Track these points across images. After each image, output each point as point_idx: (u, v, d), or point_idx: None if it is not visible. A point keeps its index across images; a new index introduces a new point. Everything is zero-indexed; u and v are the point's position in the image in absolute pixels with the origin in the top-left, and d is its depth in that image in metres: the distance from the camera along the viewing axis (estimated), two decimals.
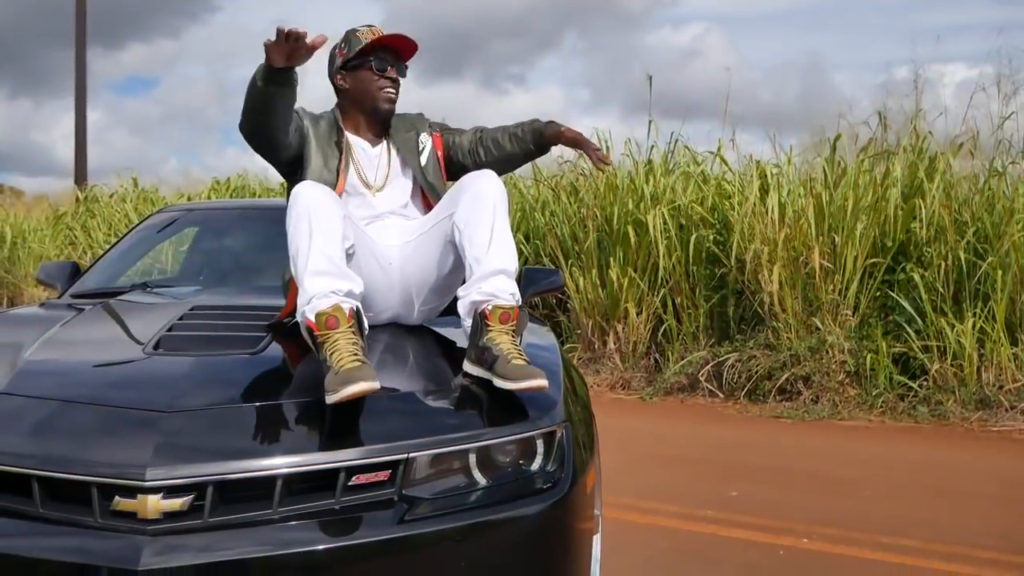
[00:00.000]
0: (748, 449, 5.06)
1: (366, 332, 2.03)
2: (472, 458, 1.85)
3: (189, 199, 11.59)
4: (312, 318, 1.94)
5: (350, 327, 1.93)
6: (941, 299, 6.11)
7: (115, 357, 2.10)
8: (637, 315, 7.19)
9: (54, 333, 2.28)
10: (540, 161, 8.66)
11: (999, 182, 6.53)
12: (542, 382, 1.91)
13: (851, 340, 6.25)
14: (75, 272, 3.34)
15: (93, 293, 3.02)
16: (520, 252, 7.95)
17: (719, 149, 7.59)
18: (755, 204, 6.69)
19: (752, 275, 6.64)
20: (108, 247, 3.76)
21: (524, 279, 3.35)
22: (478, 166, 2.53)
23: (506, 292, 2.10)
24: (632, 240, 7.21)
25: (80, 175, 13.59)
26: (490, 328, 2.04)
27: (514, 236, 7.43)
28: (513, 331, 2.06)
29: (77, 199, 12.52)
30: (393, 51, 2.54)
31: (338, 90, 2.57)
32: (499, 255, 2.14)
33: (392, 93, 2.54)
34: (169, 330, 2.20)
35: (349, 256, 2.18)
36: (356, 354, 1.86)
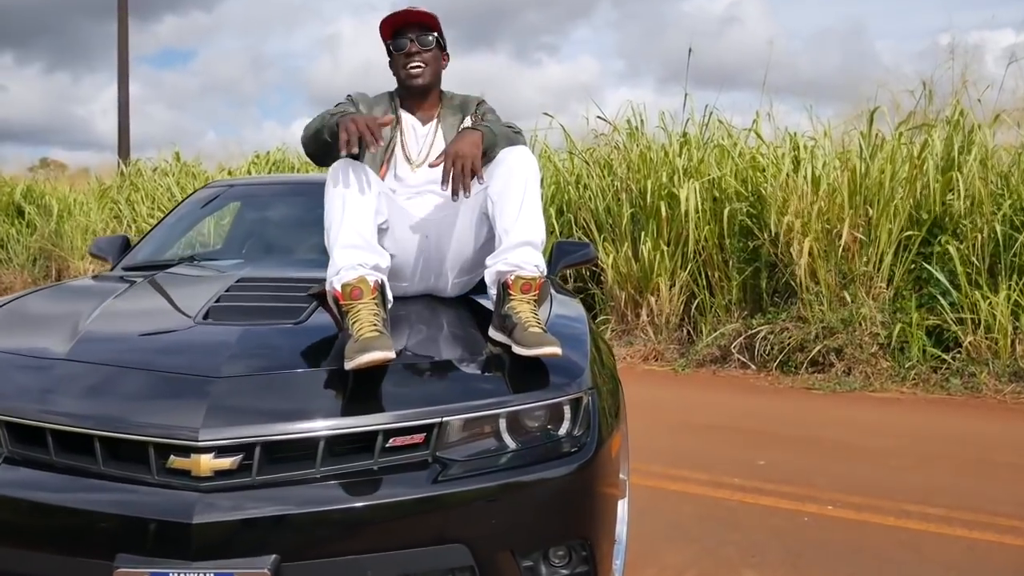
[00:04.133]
0: (778, 420, 5.13)
1: (389, 304, 2.14)
2: (502, 422, 1.96)
3: (231, 173, 11.78)
4: (339, 288, 2.07)
5: (373, 299, 2.05)
6: (976, 271, 6.10)
7: (168, 326, 2.23)
8: (670, 288, 7.25)
9: (109, 304, 2.41)
10: (576, 134, 8.72)
11: None
12: (556, 349, 2.00)
13: (884, 312, 6.27)
14: (126, 246, 3.49)
15: (143, 266, 3.16)
16: (553, 226, 8.09)
17: (755, 123, 7.58)
18: (789, 176, 6.70)
19: (785, 247, 6.66)
20: (156, 222, 3.91)
21: (556, 251, 3.45)
22: None
23: (530, 264, 2.19)
24: (665, 213, 7.25)
25: (123, 149, 13.83)
26: (511, 297, 2.14)
27: (548, 209, 7.50)
28: (535, 300, 2.16)
29: (121, 173, 12.76)
30: (412, 26, 2.60)
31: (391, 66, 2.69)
32: (526, 227, 2.23)
33: (415, 68, 2.60)
34: (217, 301, 2.32)
35: (383, 231, 2.28)
36: (375, 324, 1.97)
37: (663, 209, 7.27)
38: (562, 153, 8.86)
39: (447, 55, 2.72)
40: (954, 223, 6.44)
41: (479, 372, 2.06)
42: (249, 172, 11.55)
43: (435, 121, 2.66)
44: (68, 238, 12.12)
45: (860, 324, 6.24)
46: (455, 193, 2.26)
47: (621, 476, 2.64)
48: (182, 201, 3.84)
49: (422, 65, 2.61)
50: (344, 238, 2.14)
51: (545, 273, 2.26)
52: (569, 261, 3.41)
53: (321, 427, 1.82)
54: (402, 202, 2.47)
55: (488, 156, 2.36)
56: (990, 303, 5.89)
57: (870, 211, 6.50)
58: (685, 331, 7.30)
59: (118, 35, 13.44)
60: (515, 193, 2.26)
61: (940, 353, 6.07)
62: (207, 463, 1.76)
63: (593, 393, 2.06)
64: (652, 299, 7.35)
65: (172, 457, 1.77)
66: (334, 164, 2.27)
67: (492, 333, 2.17)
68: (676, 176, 7.39)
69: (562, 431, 2.01)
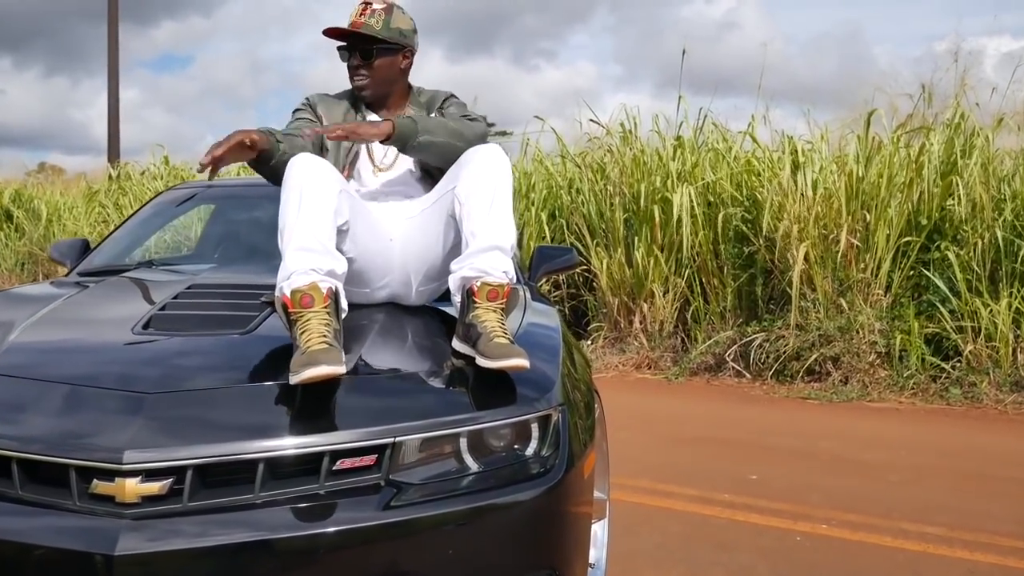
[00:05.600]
0: (772, 431, 4.97)
1: (343, 314, 1.98)
2: (463, 442, 1.79)
3: (219, 176, 11.59)
4: (288, 294, 1.90)
5: (325, 308, 1.89)
6: (976, 278, 5.95)
7: (103, 337, 2.07)
8: (663, 294, 7.10)
9: (47, 312, 2.25)
10: (567, 137, 8.57)
11: None
12: (523, 362, 1.84)
13: (882, 320, 6.12)
14: (85, 249, 3.33)
15: (99, 271, 3.00)
16: (545, 231, 7.93)
17: (750, 127, 7.43)
18: (786, 181, 6.55)
19: (781, 253, 6.51)
20: (117, 224, 3.74)
21: (537, 257, 3.29)
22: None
23: (498, 269, 2.04)
24: (658, 218, 7.09)
25: (113, 153, 13.69)
26: (477, 305, 1.98)
27: (540, 214, 7.34)
28: (502, 309, 2.00)
29: (110, 177, 12.61)
30: (353, 38, 2.48)
31: None
32: (495, 230, 2.07)
33: (360, 80, 2.49)
34: (162, 309, 2.16)
35: (343, 232, 2.13)
36: (325, 336, 1.81)
37: (657, 214, 7.12)
38: (555, 157, 8.71)
39: (409, 52, 2.54)
40: (954, 229, 6.29)
41: (439, 387, 1.90)
42: (238, 175, 11.38)
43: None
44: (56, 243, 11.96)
45: (857, 332, 6.09)
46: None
47: (598, 495, 2.48)
48: (148, 201, 3.68)
49: (367, 78, 2.49)
50: (298, 240, 1.98)
51: (515, 280, 2.10)
52: (550, 267, 3.26)
53: (261, 448, 1.65)
54: (365, 202, 2.31)
55: (409, 147, 2.26)
56: (991, 311, 5.74)
57: (868, 216, 6.35)
58: (679, 338, 7.14)
59: (108, 41, 13.31)
60: (483, 194, 2.10)
61: (939, 362, 5.92)
62: (132, 488, 1.59)
63: (564, 409, 1.90)
64: (645, 306, 7.19)
65: (95, 481, 1.60)
66: (293, 158, 2.11)
67: (455, 344, 2.00)
68: (670, 180, 7.24)
69: (529, 451, 1.85)
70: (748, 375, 6.46)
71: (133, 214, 3.59)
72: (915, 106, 6.99)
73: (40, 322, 2.17)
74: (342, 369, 1.75)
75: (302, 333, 1.82)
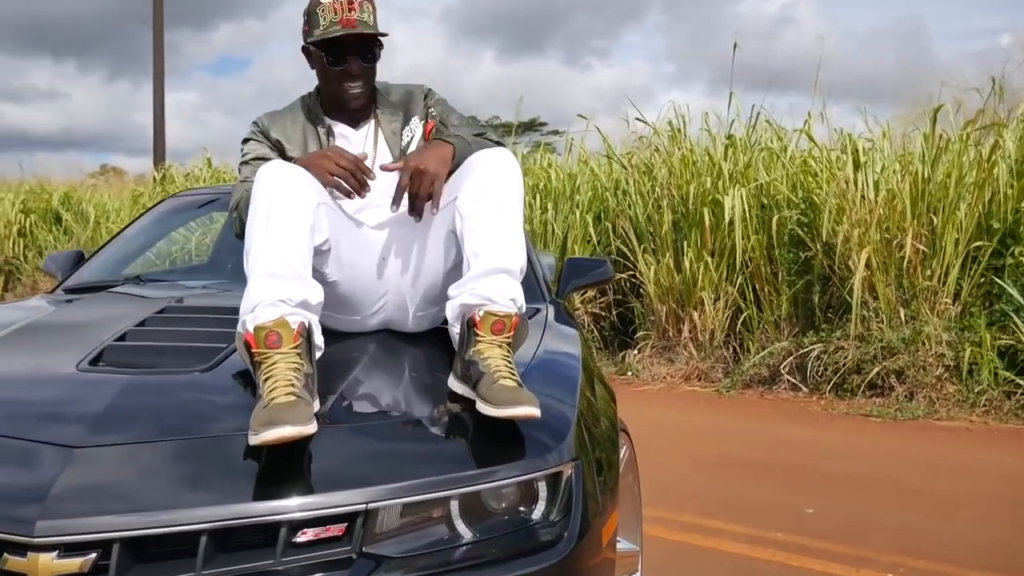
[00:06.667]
0: (831, 454, 4.58)
1: (318, 353, 1.69)
2: (455, 506, 1.49)
3: None
4: (251, 330, 1.60)
5: (295, 348, 1.58)
6: None
7: (44, 373, 1.81)
8: (714, 302, 6.72)
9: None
10: (616, 137, 8.23)
11: None
12: (532, 411, 1.53)
13: (951, 331, 5.67)
14: (78, 261, 3.09)
15: (85, 286, 2.75)
16: (590, 235, 7.60)
17: (806, 124, 7.01)
18: (846, 182, 6.13)
19: (841, 259, 6.10)
20: (112, 235, 3.50)
21: (567, 270, 2.98)
22: None
23: (504, 296, 1.73)
24: (708, 222, 6.72)
25: (158, 155, 13.67)
26: (479, 338, 1.68)
27: (585, 216, 6.98)
28: (508, 344, 1.69)
29: (154, 179, 12.56)
30: (356, 43, 2.09)
31: (310, 65, 2.20)
32: (501, 250, 1.77)
33: (356, 90, 2.11)
34: (120, 339, 1.89)
35: (324, 252, 1.84)
36: (293, 385, 1.51)
37: (707, 217, 6.74)
38: (600, 157, 8.37)
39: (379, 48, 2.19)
40: None
41: (428, 437, 1.60)
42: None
43: (371, 123, 2.18)
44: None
45: (923, 344, 5.65)
46: (413, 212, 1.86)
47: (628, 547, 2.17)
48: (150, 208, 3.42)
49: (364, 86, 2.13)
50: (264, 264, 1.68)
51: (524, 308, 1.79)
52: (581, 282, 2.94)
53: (205, 516, 1.37)
54: (351, 214, 2.02)
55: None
56: None
57: (934, 220, 5.91)
58: (731, 349, 6.75)
59: (153, 47, 13.30)
60: (489, 206, 1.80)
61: (1014, 377, 5.46)
62: (47, 565, 1.31)
63: (578, 464, 1.59)
64: (695, 314, 6.81)
65: (6, 555, 1.33)
66: (264, 168, 1.81)
67: (452, 384, 1.70)
68: (721, 181, 6.85)
69: (536, 515, 1.54)
70: (805, 389, 6.06)
71: (131, 223, 3.35)
72: (985, 102, 6.52)
73: None
74: (310, 428, 1.45)
75: (266, 379, 1.53)
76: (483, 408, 1.57)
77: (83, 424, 1.51)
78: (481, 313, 1.70)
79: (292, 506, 1.39)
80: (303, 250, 1.72)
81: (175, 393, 1.66)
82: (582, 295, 7.41)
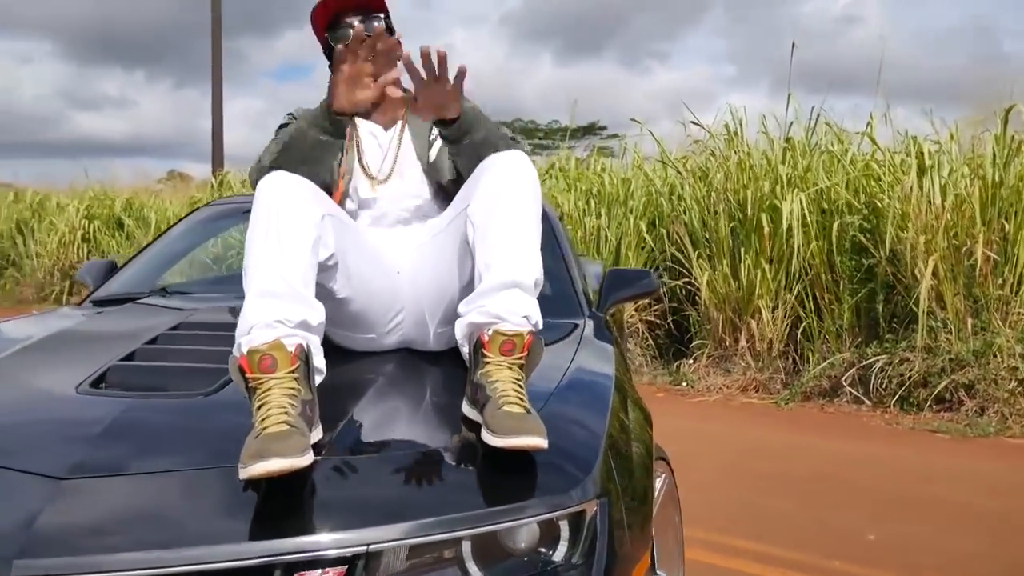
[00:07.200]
0: (895, 472, 4.34)
1: (319, 377, 1.57)
2: (467, 547, 1.36)
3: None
4: (245, 354, 1.49)
5: (291, 372, 1.46)
6: None
7: (39, 396, 1.72)
8: (772, 310, 6.49)
9: (5, 358, 1.92)
10: (674, 141, 8.04)
11: None
12: (537, 441, 1.39)
13: None
14: (110, 271, 3.03)
15: (113, 298, 2.68)
16: (644, 240, 7.42)
17: (868, 126, 6.75)
18: (910, 187, 5.86)
19: (906, 267, 5.84)
20: (144, 245, 3.44)
21: (609, 282, 2.83)
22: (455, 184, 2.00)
23: (516, 314, 1.59)
24: (767, 228, 6.49)
25: (217, 162, 13.82)
26: (487, 360, 1.54)
27: (639, 222, 6.78)
28: (519, 366, 1.55)
29: (211, 185, 12.69)
30: (353, 11, 2.03)
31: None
32: (515, 262, 1.64)
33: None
34: (127, 358, 1.80)
35: (330, 267, 1.72)
36: (287, 413, 1.38)
37: (764, 222, 6.52)
38: (655, 161, 8.18)
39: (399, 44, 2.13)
40: None
41: (438, 471, 1.46)
42: None
43: (400, 125, 2.08)
44: None
45: (995, 356, 5.37)
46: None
47: None
48: (184, 217, 3.36)
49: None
50: (260, 282, 1.57)
51: (539, 326, 1.65)
52: (624, 294, 2.78)
53: (191, 558, 1.26)
54: (364, 227, 1.91)
55: (464, 144, 1.82)
56: None
57: (1006, 226, 5.63)
58: (790, 359, 6.51)
59: (212, 55, 13.47)
60: (502, 214, 1.67)
61: None
62: None
63: (603, 502, 1.45)
64: (753, 322, 6.59)
65: None
66: (264, 178, 1.71)
67: (465, 409, 1.57)
68: (779, 186, 6.62)
69: (557, 556, 1.40)
70: (868, 402, 5.81)
71: (164, 232, 3.28)
72: None
73: None
74: (302, 461, 1.33)
75: (259, 407, 1.41)
76: (486, 437, 1.43)
77: (71, 453, 1.41)
78: (490, 332, 1.57)
79: (287, 547, 1.27)
80: (303, 267, 1.60)
81: (172, 420, 1.56)
82: (636, 302, 7.23)
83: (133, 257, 3.10)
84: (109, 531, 1.30)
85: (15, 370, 1.90)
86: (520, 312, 1.59)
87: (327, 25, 2.05)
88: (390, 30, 2.06)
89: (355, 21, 1.99)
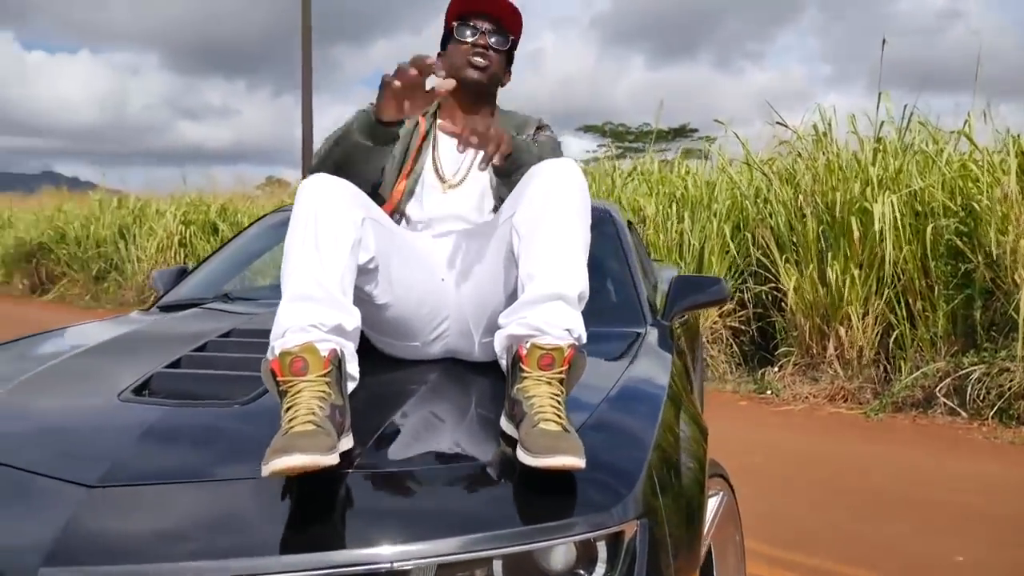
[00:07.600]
0: (991, 489, 4.11)
1: (352, 384, 1.53)
2: (497, 567, 1.30)
3: None
4: (277, 356, 1.46)
5: (323, 375, 1.43)
6: None
7: (80, 402, 1.72)
8: (862, 317, 6.25)
9: (61, 361, 1.95)
10: (758, 142, 7.84)
11: None
12: (574, 461, 1.32)
13: None
14: (179, 277, 3.07)
15: (180, 303, 2.71)
16: (728, 244, 7.23)
17: (966, 125, 6.44)
18: (1011, 188, 5.57)
19: (1006, 272, 5.54)
20: (212, 251, 3.47)
21: (675, 289, 2.73)
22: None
23: (558, 327, 1.53)
24: (856, 231, 6.25)
25: (306, 167, 14.05)
26: (525, 374, 1.48)
27: (723, 226, 6.61)
28: (559, 381, 1.48)
29: None
30: (489, 17, 2.05)
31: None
32: (559, 273, 1.57)
33: (481, 60, 2.03)
34: (173, 365, 1.79)
35: (370, 271, 1.69)
36: (314, 413, 1.35)
37: (854, 226, 6.27)
38: (740, 163, 7.98)
39: (510, 73, 2.17)
40: None
41: (470, 487, 1.40)
42: None
43: None
44: None
45: None
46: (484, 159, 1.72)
47: None
48: (254, 222, 3.38)
49: (487, 61, 2.04)
50: (296, 285, 1.54)
51: (583, 340, 1.58)
52: (691, 302, 2.68)
53: (214, 569, 1.23)
54: (410, 233, 1.87)
55: (511, 168, 1.75)
56: None
57: None
58: (880, 368, 6.25)
59: (302, 62, 13.67)
60: (547, 224, 1.61)
61: None
62: None
63: (644, 522, 1.37)
64: (841, 329, 6.36)
65: None
66: (306, 180, 1.69)
67: (503, 424, 1.51)
68: (870, 188, 6.37)
69: None
70: (964, 414, 5.53)
71: (229, 241, 3.32)
72: None
73: (42, 375, 1.86)
74: (326, 459, 1.29)
75: (288, 408, 1.38)
76: (521, 456, 1.37)
77: (104, 461, 1.40)
78: (528, 346, 1.51)
79: (311, 562, 1.23)
80: (341, 270, 1.57)
81: (206, 429, 1.54)
82: (719, 308, 7.05)
83: (201, 263, 3.14)
84: (136, 541, 1.28)
85: (66, 375, 1.92)
86: (562, 325, 1.53)
87: (458, 14, 2.07)
88: (510, 57, 2.11)
89: (485, 26, 2.04)
